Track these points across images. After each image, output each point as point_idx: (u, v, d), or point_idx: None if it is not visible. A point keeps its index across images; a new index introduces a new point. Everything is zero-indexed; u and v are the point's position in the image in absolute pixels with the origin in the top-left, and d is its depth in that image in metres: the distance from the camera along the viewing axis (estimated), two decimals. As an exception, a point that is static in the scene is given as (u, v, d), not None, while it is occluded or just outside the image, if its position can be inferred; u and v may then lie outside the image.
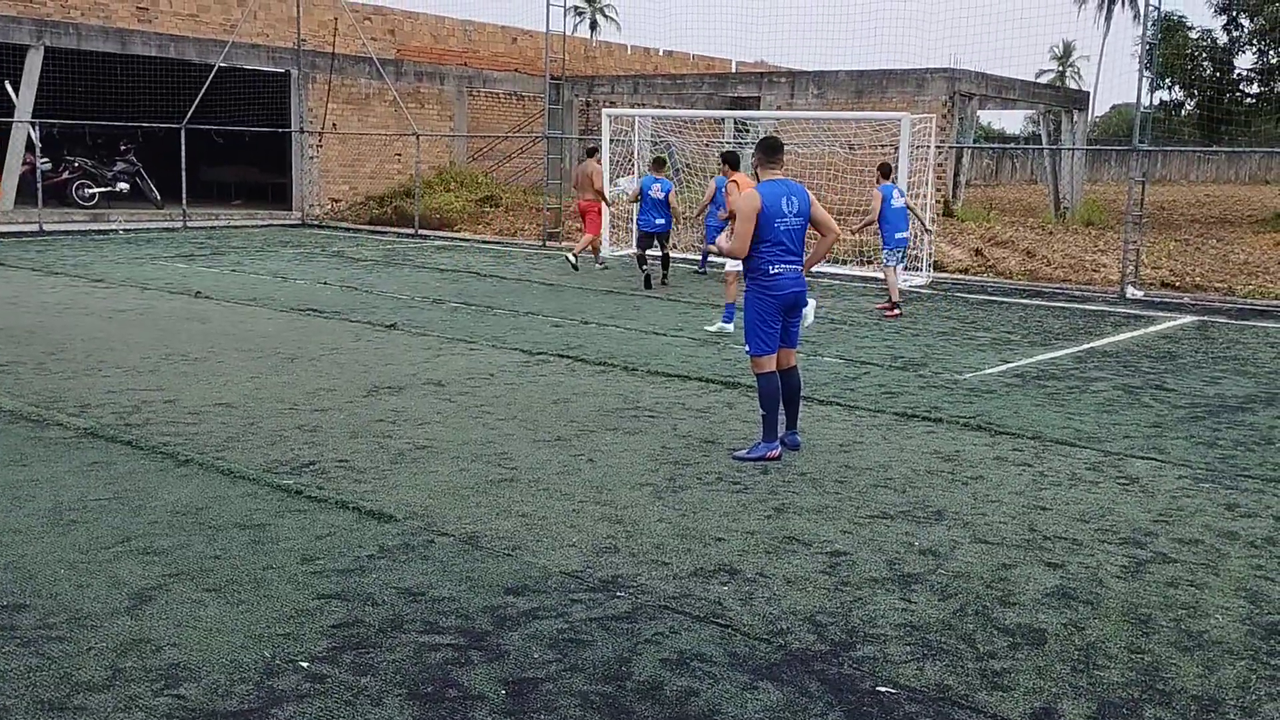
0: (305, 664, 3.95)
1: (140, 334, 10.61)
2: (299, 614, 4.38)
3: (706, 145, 21.27)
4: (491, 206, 26.54)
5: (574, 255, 17.28)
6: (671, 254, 17.22)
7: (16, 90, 22.55)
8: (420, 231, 24.04)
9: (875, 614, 4.57)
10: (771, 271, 6.85)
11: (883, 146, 19.70)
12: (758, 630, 4.37)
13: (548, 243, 22.33)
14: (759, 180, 7.03)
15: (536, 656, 4.09)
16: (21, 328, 10.67)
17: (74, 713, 3.56)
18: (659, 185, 15.99)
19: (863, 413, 8.25)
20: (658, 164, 16.62)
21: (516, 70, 31.22)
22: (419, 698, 3.75)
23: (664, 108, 26.54)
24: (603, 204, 17.70)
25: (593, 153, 18.40)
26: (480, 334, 11.21)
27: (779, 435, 7.03)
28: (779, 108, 24.87)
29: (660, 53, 35.31)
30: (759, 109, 25.20)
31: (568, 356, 10.12)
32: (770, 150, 7.04)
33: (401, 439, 7.11)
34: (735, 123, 24.56)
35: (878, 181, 13.98)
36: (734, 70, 34.11)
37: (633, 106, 26.03)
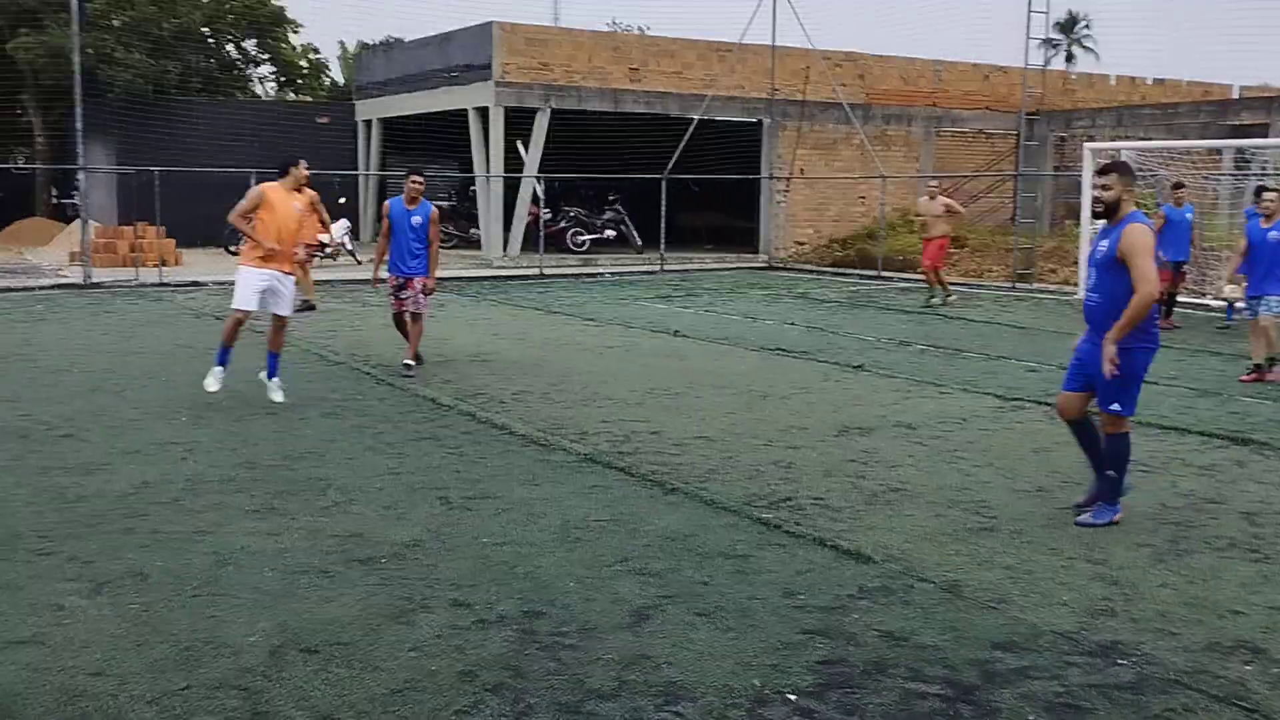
0: (793, 696, 4.00)
1: (627, 369, 11.42)
2: (784, 646, 4.45)
3: (1205, 179, 19.46)
4: (957, 247, 25.92)
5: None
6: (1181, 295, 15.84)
7: (526, 148, 25.36)
8: (883, 273, 24.00)
9: None
10: (1155, 318, 6.08)
11: None
12: (1291, 721, 3.85)
13: (1018, 284, 21.43)
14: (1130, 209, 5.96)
15: (1031, 719, 3.86)
16: (530, 360, 11.88)
17: (586, 717, 3.84)
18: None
19: None
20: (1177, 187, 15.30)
21: (987, 108, 30.41)
22: (908, 746, 3.67)
23: (1151, 139, 24.64)
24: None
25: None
26: (949, 377, 10.94)
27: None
28: (1291, 134, 22.23)
29: (1148, 81, 32.88)
30: (1267, 136, 22.67)
31: (1046, 403, 9.58)
32: (1133, 174, 6.09)
33: (874, 480, 7.07)
34: (1236, 152, 22.27)
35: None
36: (1236, 96, 31.00)
37: (1116, 139, 24.42)
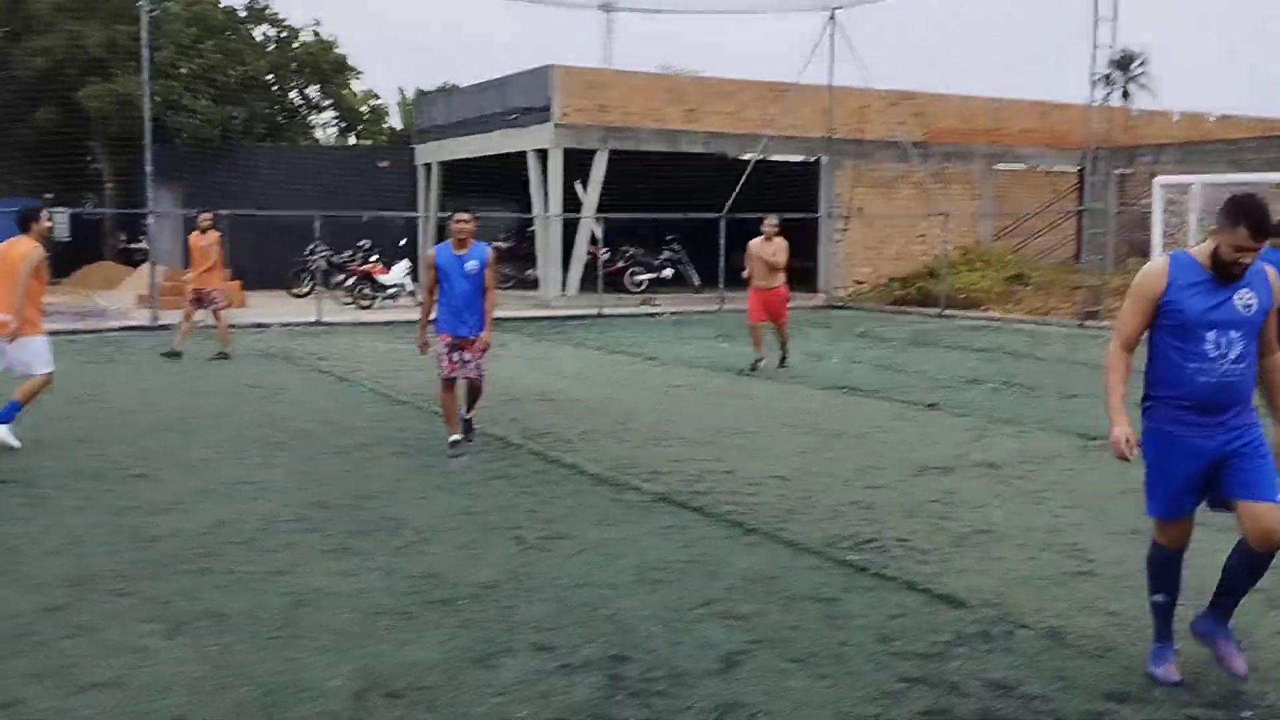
0: (900, 749, 3.81)
1: (694, 408, 11.27)
2: (884, 695, 4.26)
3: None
4: (1020, 284, 25.57)
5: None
6: None
7: (584, 189, 25.44)
8: (945, 311, 23.68)
9: None
10: None
11: None
12: None
13: (1085, 321, 21.02)
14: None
15: (1157, 776, 3.64)
16: (595, 399, 11.78)
17: (683, 768, 3.68)
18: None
19: None
20: None
21: (1046, 145, 30.07)
22: (1027, 804, 3.46)
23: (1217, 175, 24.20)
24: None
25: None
26: (1027, 416, 10.66)
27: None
28: (1367, 167, 21.71)
29: (1212, 118, 32.37)
30: (1340, 169, 22.16)
31: (1130, 443, 9.29)
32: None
33: (960, 521, 6.85)
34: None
35: None
36: (1302, 129, 30.40)
37: (1180, 175, 24.00)
